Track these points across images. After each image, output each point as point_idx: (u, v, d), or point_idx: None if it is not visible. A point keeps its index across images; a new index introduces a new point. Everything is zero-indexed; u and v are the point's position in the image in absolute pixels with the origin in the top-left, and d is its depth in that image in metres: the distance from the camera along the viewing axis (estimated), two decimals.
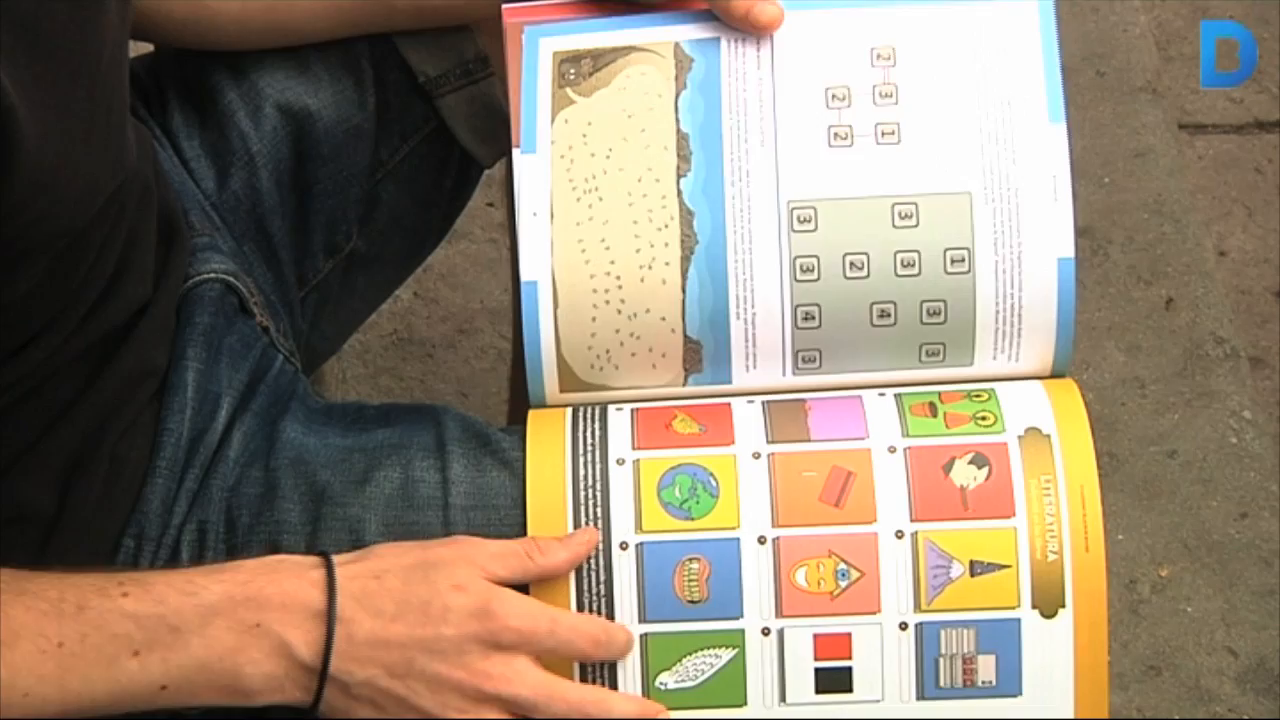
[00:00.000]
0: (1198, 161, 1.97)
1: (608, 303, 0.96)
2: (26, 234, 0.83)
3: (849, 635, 0.89)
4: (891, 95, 0.97)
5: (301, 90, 1.11)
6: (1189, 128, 2.00)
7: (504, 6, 1.01)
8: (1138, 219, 1.87)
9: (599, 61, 0.98)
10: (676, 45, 0.98)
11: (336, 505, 0.97)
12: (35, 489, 0.94)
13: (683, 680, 0.90)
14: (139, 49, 1.07)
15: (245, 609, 0.85)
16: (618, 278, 0.96)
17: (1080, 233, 1.82)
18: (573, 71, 0.98)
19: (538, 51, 0.99)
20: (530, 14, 1.00)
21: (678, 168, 0.97)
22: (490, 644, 0.86)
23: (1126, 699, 1.52)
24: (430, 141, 1.15)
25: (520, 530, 0.92)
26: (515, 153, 0.97)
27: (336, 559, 0.88)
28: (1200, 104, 2.02)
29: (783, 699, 0.90)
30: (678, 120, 0.97)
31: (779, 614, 0.90)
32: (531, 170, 0.97)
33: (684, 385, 0.98)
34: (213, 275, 1.04)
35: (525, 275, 0.97)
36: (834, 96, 0.97)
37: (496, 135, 1.14)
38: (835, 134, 0.97)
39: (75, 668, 0.83)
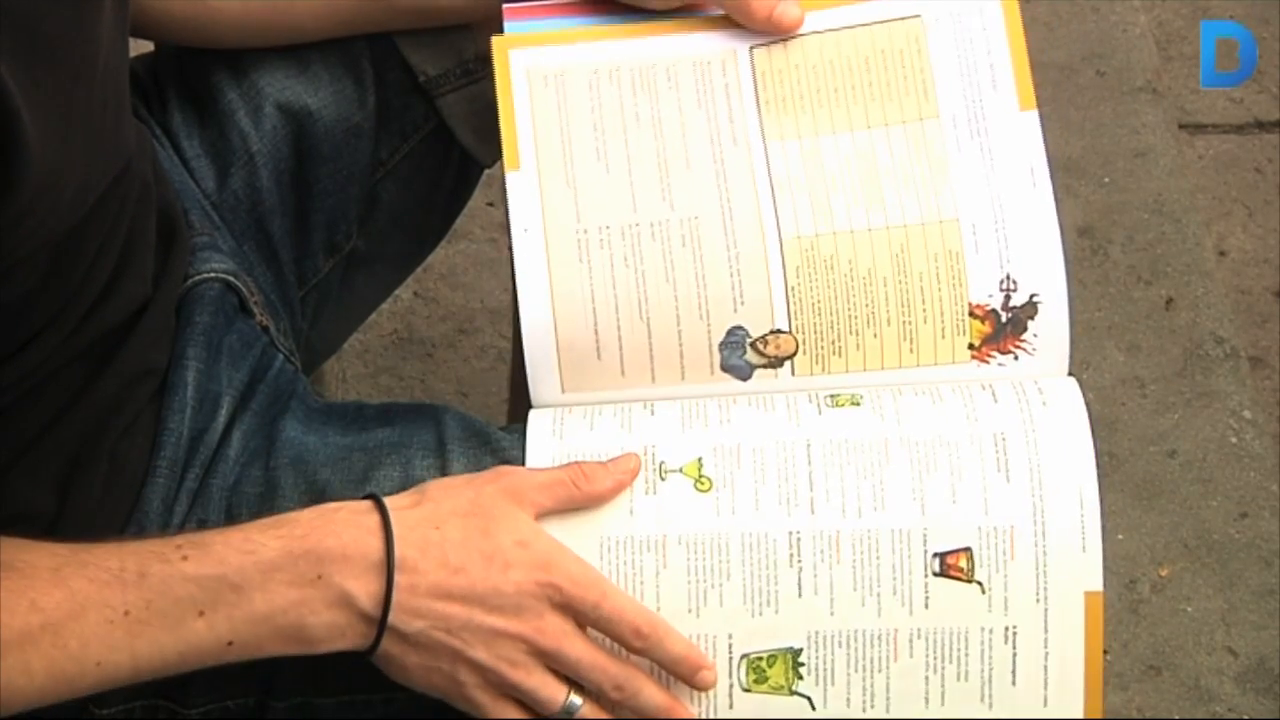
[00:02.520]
0: (1198, 161, 1.97)
1: (608, 303, 0.97)
2: (28, 235, 0.83)
3: None
4: None
5: (302, 90, 1.11)
6: (1189, 128, 2.00)
7: (505, 6, 1.02)
8: (1138, 219, 1.87)
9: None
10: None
11: None
12: (35, 488, 0.94)
13: None
14: (139, 48, 1.07)
15: (305, 562, 0.85)
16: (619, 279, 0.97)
17: (1080, 233, 1.83)
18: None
19: (514, 69, 1.00)
20: (531, 13, 1.01)
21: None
22: (545, 600, 0.87)
23: (1126, 699, 1.52)
24: (430, 141, 1.15)
25: None
26: (508, 173, 0.98)
27: (390, 503, 0.88)
28: (1200, 104, 2.02)
29: None
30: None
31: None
32: (519, 187, 0.98)
33: (682, 385, 0.98)
34: (213, 275, 1.04)
35: (522, 275, 0.97)
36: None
37: (497, 135, 1.14)
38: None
39: (143, 634, 0.84)
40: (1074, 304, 0.97)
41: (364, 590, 0.85)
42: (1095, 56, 2.00)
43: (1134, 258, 1.84)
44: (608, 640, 0.89)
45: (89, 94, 0.85)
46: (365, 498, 0.89)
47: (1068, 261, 0.97)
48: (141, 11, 1.03)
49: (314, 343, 1.20)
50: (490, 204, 1.80)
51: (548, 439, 0.95)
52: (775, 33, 0.99)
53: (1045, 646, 0.90)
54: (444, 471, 0.97)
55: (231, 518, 0.98)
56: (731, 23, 1.01)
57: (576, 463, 0.91)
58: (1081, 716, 0.90)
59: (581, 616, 0.88)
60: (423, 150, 1.16)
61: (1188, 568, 1.60)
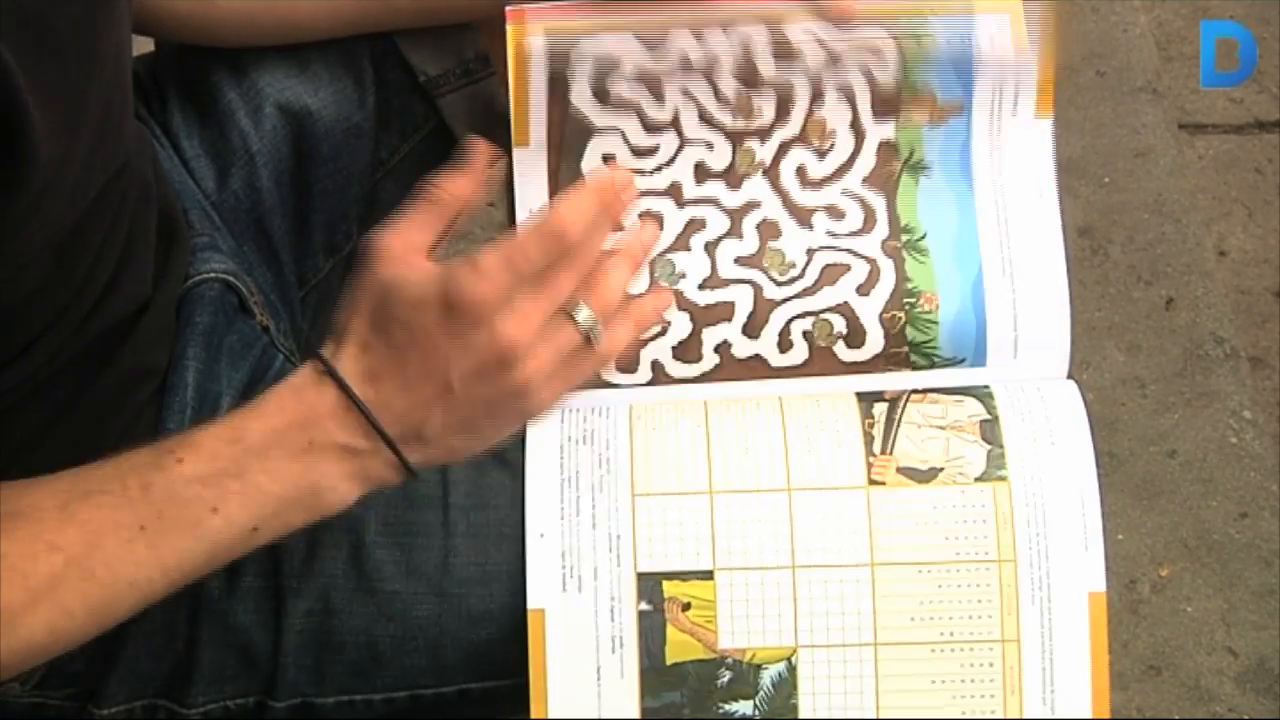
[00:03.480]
0: (1198, 161, 1.97)
1: None
2: (33, 234, 0.83)
3: None
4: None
5: (302, 90, 1.11)
6: (1189, 128, 2.00)
7: (508, 9, 1.02)
8: (1138, 219, 1.87)
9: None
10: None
11: None
12: None
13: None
14: (139, 48, 1.07)
15: (292, 433, 0.85)
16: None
17: (1080, 233, 1.83)
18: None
19: (532, 45, 0.99)
20: (534, 14, 1.00)
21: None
22: (464, 316, 0.85)
23: (1126, 699, 1.52)
24: (430, 141, 1.15)
25: (519, 531, 0.92)
26: (515, 150, 0.98)
27: (325, 351, 0.88)
28: (1200, 104, 2.02)
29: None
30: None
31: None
32: (527, 164, 0.98)
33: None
34: (213, 275, 1.04)
35: None
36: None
37: (497, 135, 1.14)
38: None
39: (165, 543, 0.84)
40: (1074, 304, 0.97)
41: (352, 434, 0.86)
42: (1095, 56, 2.00)
43: (1134, 258, 1.84)
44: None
45: (95, 91, 0.85)
46: (308, 361, 0.88)
47: (1068, 262, 0.97)
48: (144, 9, 1.03)
49: (314, 343, 1.20)
50: (490, 204, 1.80)
51: (547, 439, 0.95)
52: (839, 19, 0.97)
53: (1049, 649, 0.90)
54: (444, 471, 0.97)
55: None
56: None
57: (427, 183, 0.90)
58: (1090, 718, 0.91)
59: (518, 288, 0.86)
60: (423, 150, 1.16)
61: (1188, 568, 1.60)
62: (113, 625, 0.85)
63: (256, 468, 0.85)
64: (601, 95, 0.98)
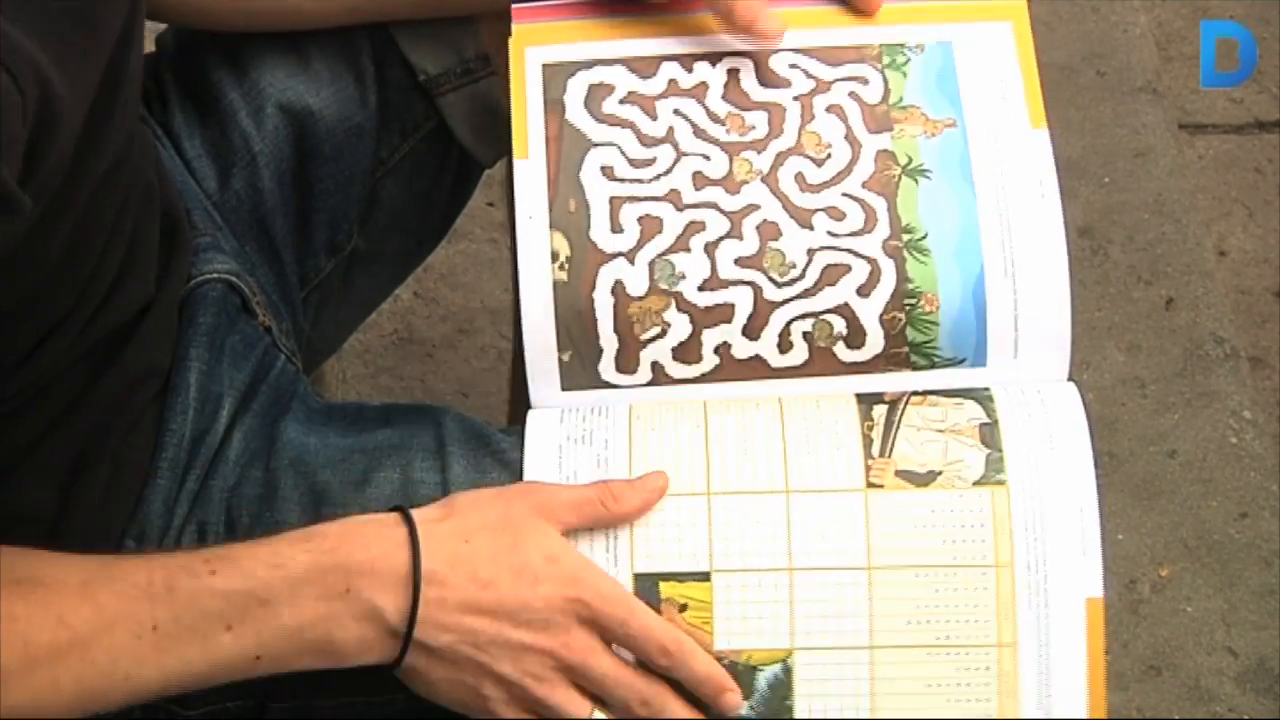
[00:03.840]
0: (1198, 161, 1.97)
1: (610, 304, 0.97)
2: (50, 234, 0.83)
3: None
4: None
5: (303, 89, 1.11)
6: (1189, 128, 2.00)
7: (514, 7, 1.02)
8: (1138, 219, 1.87)
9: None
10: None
11: (336, 506, 0.97)
12: (37, 490, 0.94)
13: None
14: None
15: (333, 576, 0.85)
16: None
17: (1080, 233, 1.83)
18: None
19: (529, 57, 1.00)
20: (538, 15, 1.01)
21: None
22: (573, 616, 0.87)
23: (1126, 699, 1.52)
24: (430, 140, 1.15)
25: None
26: (515, 162, 0.98)
27: (418, 516, 0.88)
28: (1200, 104, 2.02)
29: None
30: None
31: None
32: (527, 175, 0.98)
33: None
34: (215, 275, 1.04)
35: (524, 263, 0.97)
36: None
37: (496, 134, 1.14)
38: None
39: (171, 648, 0.84)
40: (1074, 305, 0.97)
41: (392, 604, 0.86)
42: (1095, 56, 2.00)
43: (1134, 258, 1.84)
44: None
45: (111, 75, 0.85)
46: (394, 510, 0.89)
47: (1069, 263, 0.97)
48: None
49: (314, 343, 1.20)
50: (490, 204, 1.80)
51: (547, 440, 0.95)
52: (757, 40, 0.99)
53: (1046, 655, 0.90)
54: (443, 473, 0.97)
55: (231, 519, 0.98)
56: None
57: (605, 481, 0.91)
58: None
59: (608, 633, 0.88)
60: (423, 150, 1.16)
61: (1188, 568, 1.60)
62: (90, 714, 0.84)
63: (284, 597, 0.85)
64: (596, 115, 0.98)
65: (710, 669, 0.89)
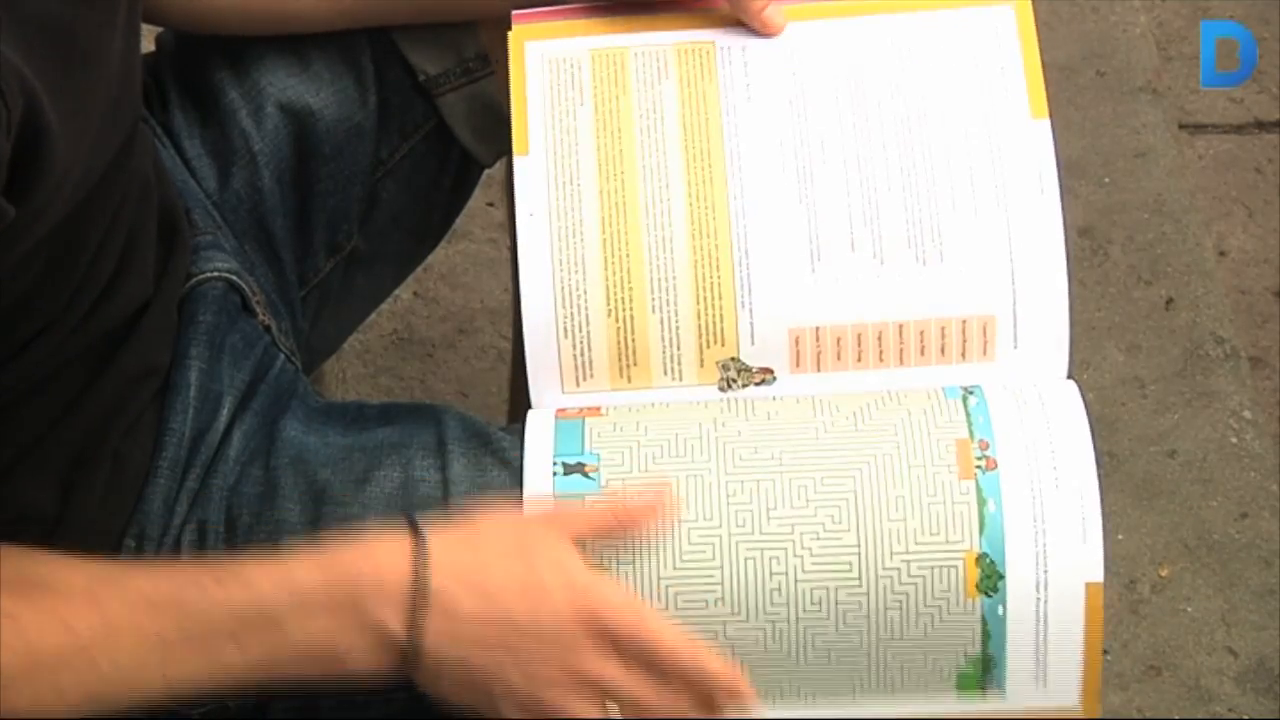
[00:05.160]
0: (1198, 161, 1.97)
1: (609, 304, 0.97)
2: (28, 232, 0.83)
3: None
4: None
5: (303, 89, 1.11)
6: (1189, 128, 2.00)
7: (514, 14, 1.02)
8: (1138, 219, 1.87)
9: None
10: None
11: (337, 505, 0.97)
12: (37, 488, 0.94)
13: None
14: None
15: (341, 591, 0.85)
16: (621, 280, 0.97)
17: (1080, 233, 1.83)
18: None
19: (529, 54, 1.00)
20: (541, 16, 1.01)
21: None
22: (583, 626, 0.87)
23: (1126, 699, 1.52)
24: (430, 140, 1.15)
25: None
26: (515, 159, 0.98)
27: (427, 528, 0.87)
28: (1200, 104, 2.02)
29: None
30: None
31: None
32: (528, 172, 0.98)
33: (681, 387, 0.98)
34: (215, 274, 1.04)
35: (525, 261, 0.97)
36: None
37: (496, 134, 1.14)
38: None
39: (176, 658, 0.84)
40: (1074, 305, 0.97)
41: (399, 621, 0.85)
42: (1095, 56, 2.00)
43: (1134, 258, 1.84)
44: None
45: (106, 91, 0.85)
46: (405, 521, 0.88)
47: (1069, 263, 0.97)
48: None
49: (314, 343, 1.20)
50: (490, 204, 1.80)
51: (547, 439, 0.95)
52: (763, 31, 1.00)
53: (1044, 636, 0.90)
54: (444, 472, 0.97)
55: (231, 518, 0.98)
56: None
57: (615, 494, 0.91)
58: (1078, 709, 0.91)
59: (620, 641, 0.88)
60: (423, 150, 1.16)
61: (1188, 568, 1.60)
62: (91, 716, 0.84)
63: (292, 613, 0.85)
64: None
65: (724, 671, 0.89)
